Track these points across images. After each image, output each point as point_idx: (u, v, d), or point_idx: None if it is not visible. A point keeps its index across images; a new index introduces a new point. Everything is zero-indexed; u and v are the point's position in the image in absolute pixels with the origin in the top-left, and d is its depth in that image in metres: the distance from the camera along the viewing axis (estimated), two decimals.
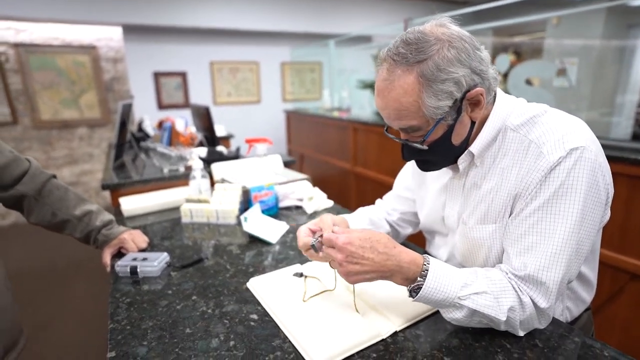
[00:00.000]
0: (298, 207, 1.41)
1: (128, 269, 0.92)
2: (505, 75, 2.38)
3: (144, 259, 0.94)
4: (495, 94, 0.72)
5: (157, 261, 0.94)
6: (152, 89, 4.55)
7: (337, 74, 4.46)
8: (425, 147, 0.70)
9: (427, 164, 0.77)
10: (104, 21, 3.97)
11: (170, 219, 1.33)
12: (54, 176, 1.01)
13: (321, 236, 0.74)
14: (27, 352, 0.96)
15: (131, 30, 4.28)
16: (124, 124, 1.72)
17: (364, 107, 3.84)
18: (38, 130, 4.01)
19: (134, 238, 1.06)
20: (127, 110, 1.76)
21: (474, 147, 0.72)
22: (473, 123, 0.71)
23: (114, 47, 4.29)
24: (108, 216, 1.07)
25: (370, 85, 2.90)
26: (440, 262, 0.67)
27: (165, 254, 0.98)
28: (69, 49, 4.07)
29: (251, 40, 4.93)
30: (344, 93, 4.24)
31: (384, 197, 1.11)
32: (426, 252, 1.02)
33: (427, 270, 0.64)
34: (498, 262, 0.75)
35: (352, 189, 3.50)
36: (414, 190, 0.99)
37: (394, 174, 3.11)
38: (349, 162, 3.56)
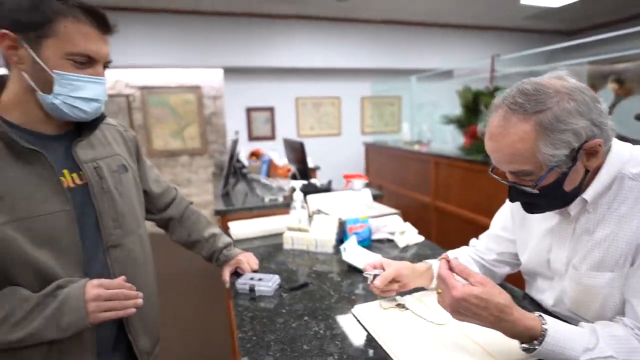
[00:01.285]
0: (389, 241, 1.47)
1: (247, 287, 1.06)
2: (609, 108, 2.23)
3: (260, 279, 1.07)
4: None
5: (271, 282, 1.06)
6: (244, 122, 5.02)
7: (418, 108, 4.51)
8: (536, 191, 0.72)
9: (533, 206, 0.79)
10: (209, 65, 4.55)
11: (272, 244, 1.48)
12: (191, 203, 1.22)
13: (375, 276, 0.89)
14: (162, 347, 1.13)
15: (229, 71, 4.82)
16: (232, 157, 1.98)
17: (446, 141, 3.81)
18: (151, 159, 4.65)
19: (248, 260, 1.21)
20: (235, 145, 2.02)
21: (588, 194, 0.73)
22: (587, 171, 0.72)
23: (215, 86, 4.87)
24: (227, 239, 1.24)
25: (454, 121, 2.90)
26: (558, 323, 0.67)
27: (277, 276, 1.11)
28: (179, 89, 4.72)
29: (334, 77, 5.24)
30: (425, 127, 4.26)
31: (480, 236, 1.13)
32: (526, 294, 1.01)
33: (545, 336, 0.65)
34: (615, 313, 0.73)
35: (432, 224, 3.44)
36: (513, 231, 1.00)
37: (478, 210, 3.01)
38: (429, 196, 3.52)
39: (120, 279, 0.85)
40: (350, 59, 4.93)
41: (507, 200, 1.03)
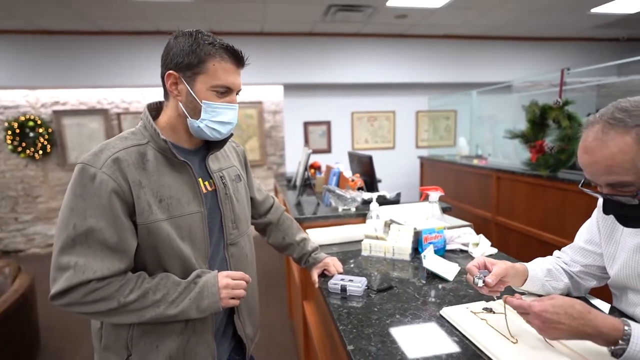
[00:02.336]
0: (463, 251, 1.52)
1: (339, 287, 1.17)
2: None
3: (350, 280, 1.18)
4: None
5: (360, 283, 1.17)
6: (301, 136, 5.24)
7: (477, 122, 4.46)
8: (636, 201, 0.76)
9: (630, 219, 0.82)
10: (270, 82, 4.83)
11: (350, 250, 1.59)
12: (285, 210, 1.36)
13: (485, 276, 0.94)
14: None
15: (289, 87, 5.08)
16: (305, 169, 2.13)
17: (507, 156, 3.75)
18: None
19: (334, 263, 1.33)
20: (308, 158, 2.18)
21: None
22: None
23: (275, 101, 5.14)
24: (315, 244, 1.37)
25: (519, 136, 2.87)
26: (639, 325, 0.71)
27: (364, 278, 1.21)
28: (243, 104, 5.04)
29: (389, 92, 5.33)
30: (484, 141, 4.21)
31: (563, 249, 1.16)
32: (614, 308, 1.03)
33: (630, 335, 0.70)
34: None
35: (492, 239, 3.37)
36: (599, 244, 1.03)
37: (544, 227, 2.94)
38: (490, 211, 3.47)
39: (240, 272, 1.00)
40: (407, 74, 5.00)
41: (593, 214, 1.06)
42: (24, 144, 4.62)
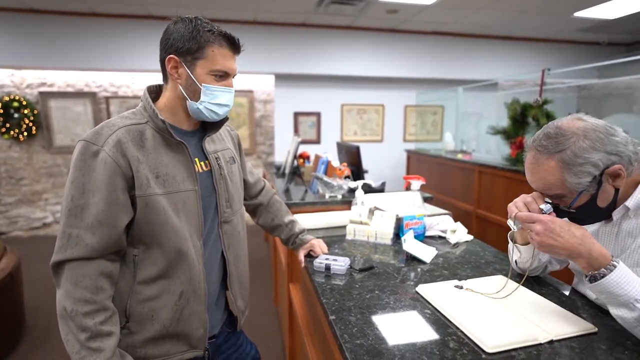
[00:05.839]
0: (441, 237, 1.62)
1: (324, 266, 1.25)
2: None
3: (335, 260, 1.26)
4: None
5: (344, 263, 1.25)
6: (291, 126, 5.28)
7: (462, 118, 4.58)
8: (573, 210, 0.88)
9: (579, 220, 0.91)
10: (262, 71, 4.85)
11: (335, 235, 1.66)
12: (275, 193, 1.43)
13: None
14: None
15: (280, 77, 5.10)
16: (295, 157, 2.20)
17: (490, 152, 3.88)
18: None
19: (320, 244, 1.40)
20: (297, 146, 2.24)
21: (630, 202, 0.87)
22: (617, 189, 0.86)
23: (266, 91, 5.17)
24: (302, 226, 1.45)
25: (500, 132, 2.99)
26: (626, 267, 0.80)
27: (347, 258, 1.29)
28: (235, 93, 5.04)
29: (379, 85, 5.40)
30: (469, 136, 4.33)
31: None
32: (573, 289, 1.13)
33: (614, 267, 0.78)
34: None
35: (473, 231, 3.51)
36: None
37: None
38: (471, 204, 3.60)
39: None
40: (397, 68, 5.08)
41: None
42: (8, 125, 4.55)
